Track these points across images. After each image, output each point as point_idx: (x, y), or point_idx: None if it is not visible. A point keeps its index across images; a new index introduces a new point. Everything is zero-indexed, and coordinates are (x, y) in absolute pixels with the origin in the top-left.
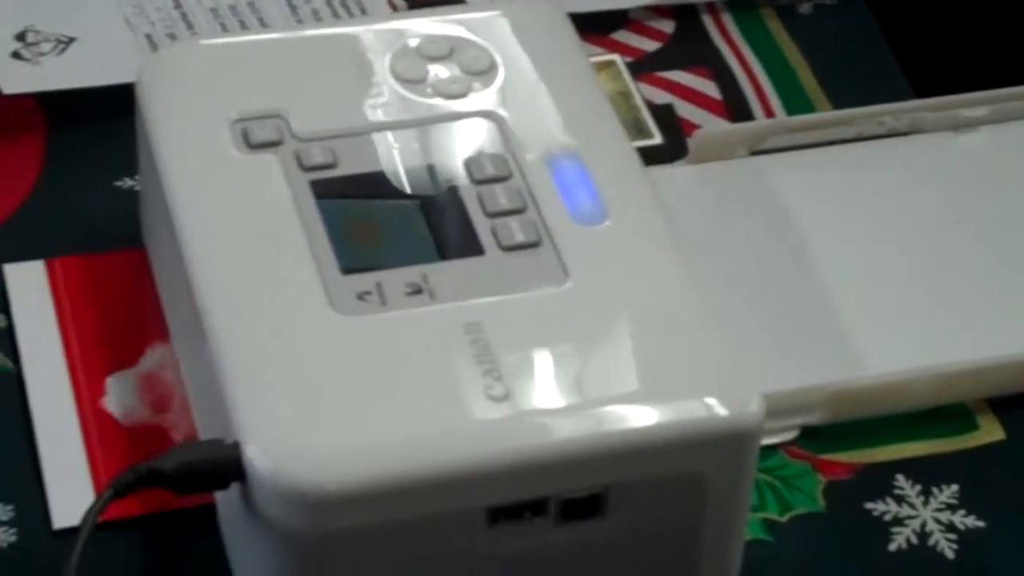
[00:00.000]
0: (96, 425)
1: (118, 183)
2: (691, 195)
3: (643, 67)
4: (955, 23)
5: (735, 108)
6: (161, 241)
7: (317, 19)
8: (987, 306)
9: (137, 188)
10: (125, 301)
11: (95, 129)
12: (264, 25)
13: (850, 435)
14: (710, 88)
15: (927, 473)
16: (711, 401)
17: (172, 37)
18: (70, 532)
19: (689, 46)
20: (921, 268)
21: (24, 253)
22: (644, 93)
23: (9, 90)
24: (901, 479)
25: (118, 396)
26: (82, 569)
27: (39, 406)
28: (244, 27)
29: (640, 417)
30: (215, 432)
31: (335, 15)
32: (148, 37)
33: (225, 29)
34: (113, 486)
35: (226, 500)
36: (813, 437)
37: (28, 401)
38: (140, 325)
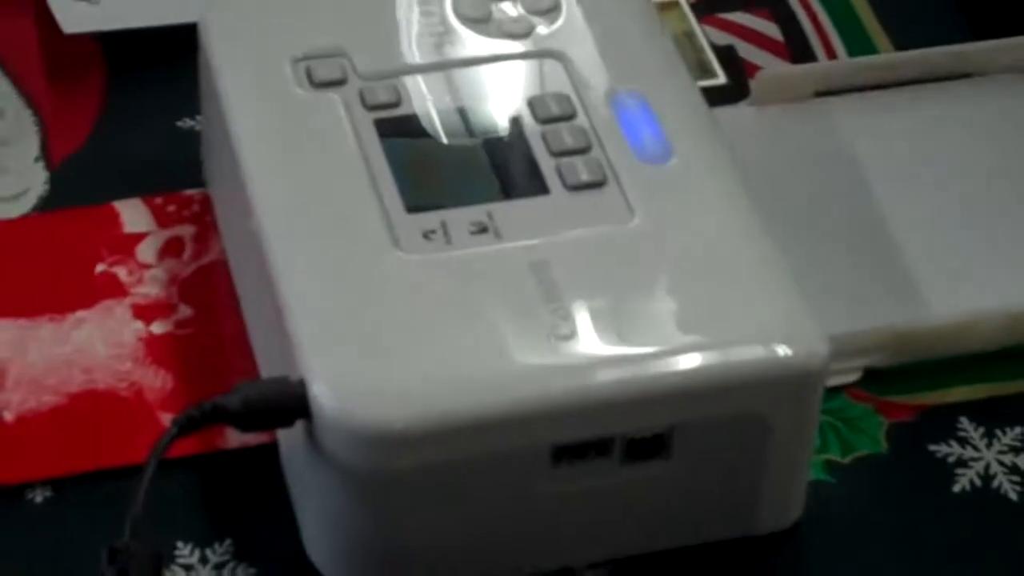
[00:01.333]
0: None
1: (179, 123)
2: (754, 136)
3: (705, 8)
4: None
5: (797, 50)
6: (224, 182)
7: None
8: None
9: (198, 128)
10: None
11: (155, 69)
12: None
13: (913, 377)
14: (772, 30)
15: (990, 415)
16: (776, 343)
17: None
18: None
19: None
20: (985, 209)
21: (85, 193)
22: (707, 34)
23: (70, 29)
24: (964, 421)
25: None
26: (147, 507)
27: None
28: None
29: (704, 358)
30: (280, 370)
31: None
32: None
33: None
34: (178, 423)
35: (289, 439)
36: (876, 379)
37: None
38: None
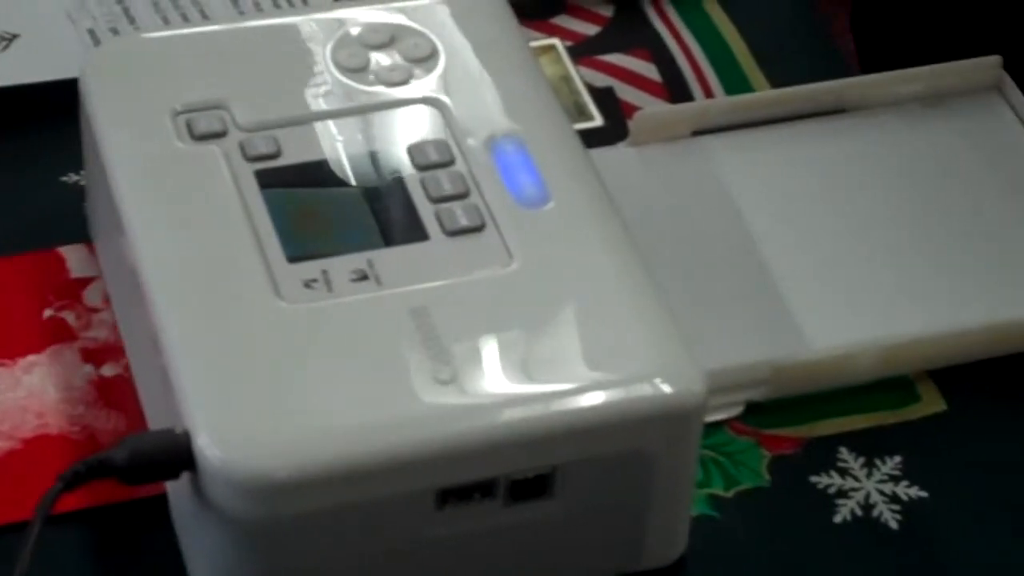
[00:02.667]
0: None
1: (64, 178)
2: (632, 176)
3: (583, 51)
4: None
5: (675, 89)
6: (108, 235)
7: (259, 10)
8: (927, 280)
9: (83, 183)
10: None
11: (39, 125)
12: (205, 17)
13: (794, 410)
14: (650, 70)
15: (870, 445)
16: (655, 380)
17: (114, 31)
18: (18, 527)
19: (628, 29)
20: (861, 243)
21: None
22: (585, 77)
23: None
24: (844, 452)
25: None
26: (33, 563)
27: None
28: (186, 20)
29: (585, 397)
30: (165, 423)
31: (276, 5)
32: (90, 32)
33: (167, 22)
34: (63, 478)
35: (177, 490)
36: (758, 413)
37: None
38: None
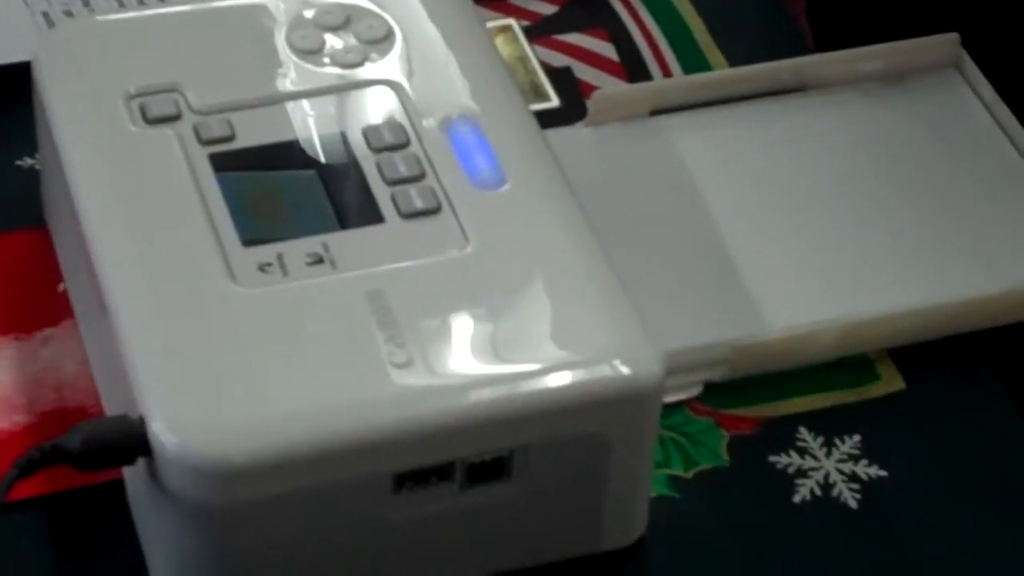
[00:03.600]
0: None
1: (19, 162)
2: (590, 156)
3: (541, 31)
4: None
5: (633, 69)
6: (62, 219)
7: None
8: (885, 259)
9: (38, 167)
10: (35, 280)
11: None
12: (162, 1)
13: (753, 389)
14: (608, 50)
15: (829, 425)
16: (612, 362)
17: (69, 14)
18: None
19: (586, 9)
20: (820, 223)
21: None
22: (542, 57)
23: None
24: (804, 431)
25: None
26: None
27: None
28: (142, 3)
29: (541, 380)
30: (121, 408)
31: None
32: (45, 15)
33: (122, 5)
34: (18, 465)
35: (134, 476)
36: (716, 393)
37: None
38: (51, 303)
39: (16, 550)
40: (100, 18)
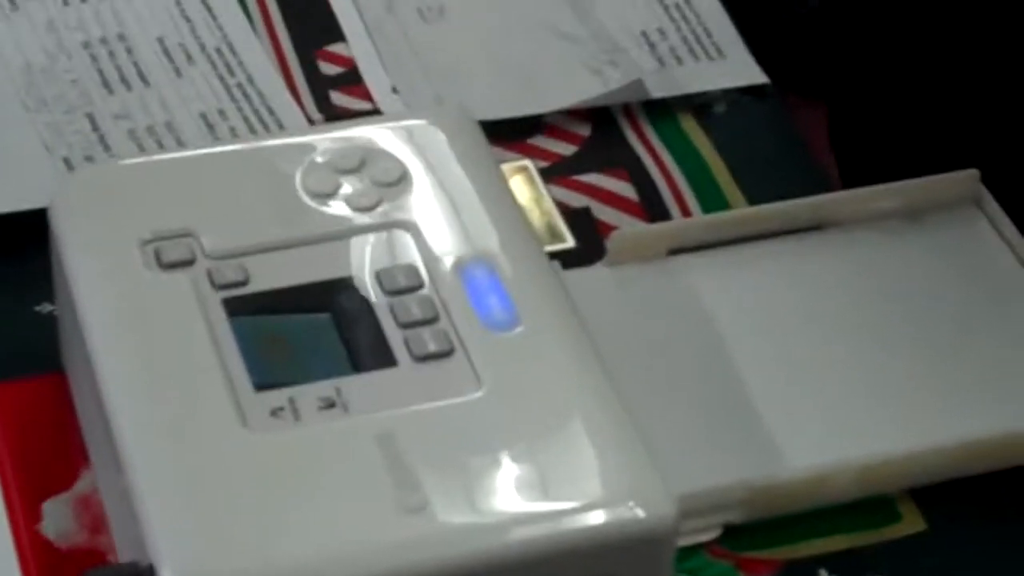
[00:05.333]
0: (33, 552)
1: (37, 308)
2: (608, 296)
3: (560, 171)
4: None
5: (652, 209)
6: (78, 364)
7: (235, 136)
8: (905, 397)
9: (56, 313)
10: (55, 425)
11: (14, 255)
12: (181, 144)
13: (772, 531)
14: (626, 189)
15: (850, 566)
16: (625, 505)
17: (89, 159)
18: None
19: (605, 148)
20: (839, 361)
21: None
22: (561, 197)
23: None
24: (824, 573)
25: (54, 521)
26: None
27: None
28: (162, 147)
29: (554, 524)
30: (132, 554)
31: (252, 131)
32: (65, 160)
33: (143, 150)
34: None
35: None
36: (735, 535)
37: None
38: (72, 448)
39: None
40: (117, 163)
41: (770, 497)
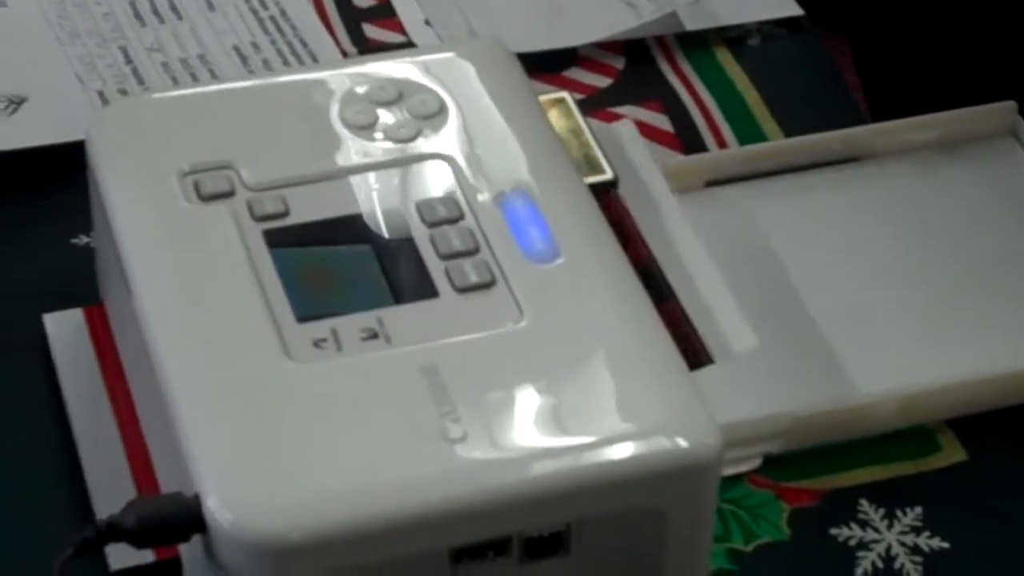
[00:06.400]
0: (142, 456)
1: (74, 240)
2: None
3: (595, 103)
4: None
5: (687, 140)
6: (117, 297)
7: (268, 69)
8: (944, 327)
9: (93, 245)
10: None
11: (50, 188)
12: (215, 77)
13: (813, 461)
14: (662, 121)
15: (891, 496)
16: (669, 435)
17: (123, 92)
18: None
19: (640, 81)
20: (878, 293)
21: None
22: (596, 130)
23: None
24: (865, 504)
25: None
26: None
27: (86, 441)
28: (195, 80)
29: (598, 454)
30: (176, 485)
31: (286, 64)
32: (100, 93)
33: (176, 83)
34: (72, 543)
35: (189, 553)
36: (776, 465)
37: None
38: None
39: None
40: (153, 95)
41: (811, 428)
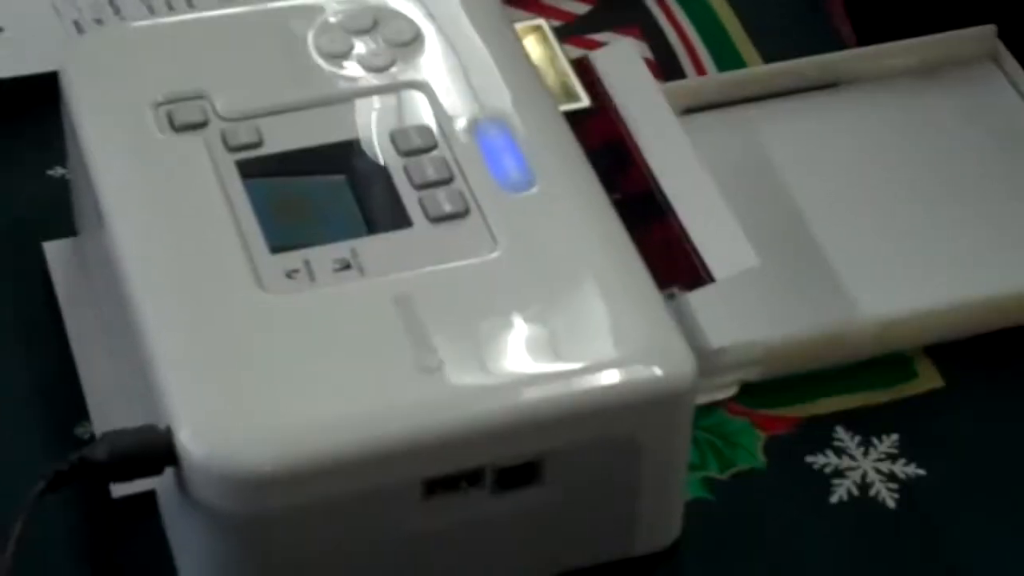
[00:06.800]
0: None
1: (50, 172)
2: None
3: (573, 30)
4: None
5: (667, 67)
6: (90, 228)
7: None
8: (921, 254)
9: (68, 176)
10: None
11: (26, 119)
12: (192, 7)
13: (789, 389)
14: (641, 48)
15: (867, 424)
16: (642, 363)
17: (99, 23)
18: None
19: (618, 7)
20: (855, 219)
21: None
22: (574, 56)
23: None
24: (841, 431)
25: None
26: (17, 562)
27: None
28: (171, 10)
29: (571, 383)
30: (148, 418)
31: None
32: (76, 24)
33: (153, 13)
34: (45, 478)
35: (163, 486)
36: (752, 393)
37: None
38: None
39: (47, 559)
40: (126, 25)
41: (787, 355)
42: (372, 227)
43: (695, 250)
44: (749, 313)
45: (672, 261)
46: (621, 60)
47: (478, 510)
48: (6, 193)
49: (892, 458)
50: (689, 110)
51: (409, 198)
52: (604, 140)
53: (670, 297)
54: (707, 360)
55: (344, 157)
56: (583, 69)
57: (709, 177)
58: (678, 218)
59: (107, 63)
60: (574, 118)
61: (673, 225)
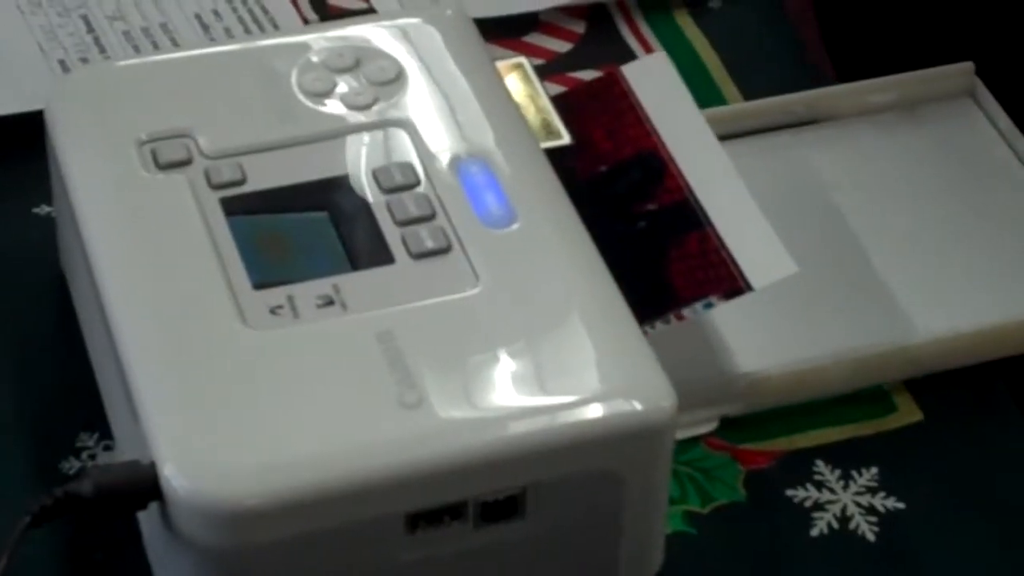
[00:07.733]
0: None
1: (36, 210)
2: None
3: (556, 68)
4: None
5: None
6: (76, 266)
7: (230, 37)
8: (899, 289)
9: (55, 215)
10: None
11: (11, 157)
12: (177, 45)
13: (769, 423)
14: None
15: (846, 457)
16: (623, 398)
17: (85, 61)
18: None
19: (600, 45)
20: (833, 255)
21: None
22: (555, 93)
23: None
24: (821, 464)
25: None
26: None
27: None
28: (156, 48)
29: (552, 417)
30: (133, 453)
31: (247, 31)
32: (61, 62)
33: (138, 51)
34: (30, 512)
35: (148, 520)
36: (732, 427)
37: None
38: None
39: None
40: (111, 64)
41: (767, 389)
42: (355, 263)
43: (732, 259)
44: (730, 347)
45: (709, 271)
46: (653, 72)
47: (461, 543)
48: None
49: (872, 491)
50: None
51: (392, 235)
52: (637, 150)
53: (693, 313)
54: (687, 394)
55: (327, 194)
56: (566, 105)
57: (744, 187)
58: (715, 228)
59: (92, 102)
60: (556, 156)
61: (710, 235)
